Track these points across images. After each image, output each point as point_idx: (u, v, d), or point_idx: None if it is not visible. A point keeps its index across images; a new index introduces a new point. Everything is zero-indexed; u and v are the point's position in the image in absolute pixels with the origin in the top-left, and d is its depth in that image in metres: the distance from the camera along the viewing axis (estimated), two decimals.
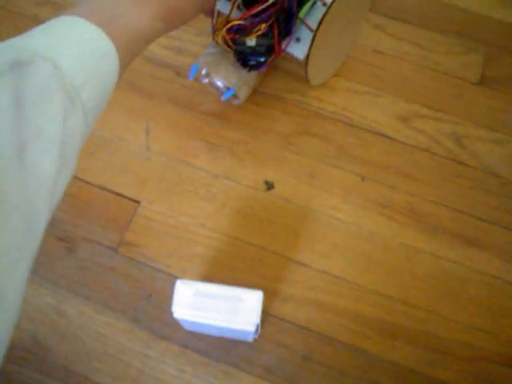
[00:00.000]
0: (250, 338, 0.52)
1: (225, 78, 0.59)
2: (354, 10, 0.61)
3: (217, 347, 0.54)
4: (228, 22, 0.55)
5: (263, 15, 0.54)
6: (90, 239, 0.59)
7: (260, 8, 0.54)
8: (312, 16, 0.58)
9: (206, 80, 0.60)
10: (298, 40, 0.59)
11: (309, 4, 0.58)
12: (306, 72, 0.59)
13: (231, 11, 0.54)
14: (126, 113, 0.65)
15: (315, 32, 0.55)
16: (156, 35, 0.46)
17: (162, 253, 0.58)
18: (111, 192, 0.61)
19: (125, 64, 0.41)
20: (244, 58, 0.57)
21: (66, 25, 0.37)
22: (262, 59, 0.56)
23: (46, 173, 0.32)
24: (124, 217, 0.60)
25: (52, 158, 0.32)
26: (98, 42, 0.37)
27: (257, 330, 0.48)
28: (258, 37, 0.55)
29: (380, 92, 0.67)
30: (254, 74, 0.60)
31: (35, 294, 0.56)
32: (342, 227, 0.59)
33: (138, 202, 0.60)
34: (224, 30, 0.55)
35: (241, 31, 0.56)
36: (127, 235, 0.59)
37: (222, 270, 0.57)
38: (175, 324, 0.53)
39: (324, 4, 0.57)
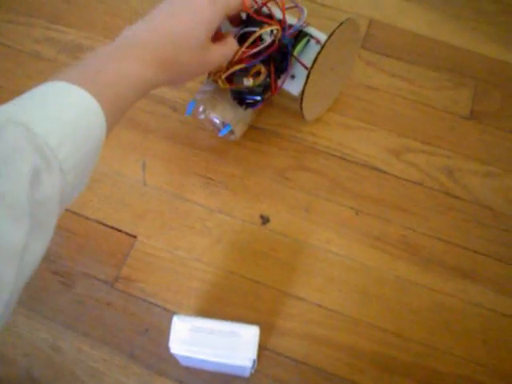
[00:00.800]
0: (247, 373, 0.52)
1: (221, 114, 0.60)
2: (346, 48, 0.63)
3: (213, 383, 0.54)
4: (228, 68, 0.56)
5: (261, 56, 0.56)
6: (86, 274, 0.59)
7: (257, 49, 0.55)
8: (306, 54, 0.60)
9: (203, 116, 0.61)
10: (292, 77, 0.61)
11: (303, 42, 0.60)
12: (301, 108, 0.61)
13: (234, 57, 0.56)
14: (123, 148, 0.66)
15: (310, 69, 0.57)
16: (152, 85, 0.46)
17: (159, 287, 0.58)
18: (108, 227, 0.61)
19: (114, 118, 0.42)
20: (241, 97, 0.58)
21: (46, 88, 0.38)
22: (259, 98, 0.58)
23: (9, 239, 0.31)
24: (121, 251, 0.60)
25: (17, 223, 0.31)
26: (77, 100, 0.38)
27: (253, 365, 0.49)
28: (254, 77, 0.57)
29: (373, 127, 0.68)
30: (249, 111, 0.62)
31: (31, 329, 0.56)
32: (337, 261, 0.60)
33: (134, 236, 0.61)
34: (224, 75, 0.56)
35: (238, 72, 0.58)
36: (124, 270, 0.59)
37: (218, 304, 0.58)
38: (172, 359, 0.53)
39: (317, 42, 0.59)
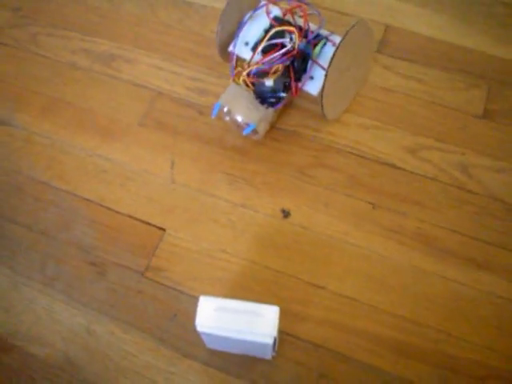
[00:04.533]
0: (269, 354, 0.55)
1: (245, 114, 0.64)
2: (361, 50, 0.66)
3: (237, 365, 0.57)
4: (249, 66, 0.61)
5: (281, 59, 0.60)
6: (119, 264, 0.63)
7: (277, 54, 0.60)
8: (323, 56, 0.64)
9: (228, 118, 0.66)
10: (311, 78, 0.65)
11: (320, 45, 0.64)
12: (322, 107, 0.64)
13: (252, 57, 0.60)
14: (152, 148, 0.70)
15: (327, 69, 0.60)
16: None
17: (186, 276, 0.62)
18: (139, 220, 0.66)
19: None
20: (263, 97, 0.62)
21: None
22: (281, 95, 0.62)
23: None
24: (151, 243, 0.64)
25: None
26: None
27: (274, 345, 0.52)
28: (275, 77, 0.61)
29: (388, 126, 0.71)
30: (271, 110, 0.65)
31: (68, 315, 0.60)
32: (355, 251, 0.63)
33: (163, 229, 0.65)
34: (245, 73, 0.60)
35: (259, 73, 0.62)
36: (153, 260, 0.63)
37: (241, 292, 0.61)
38: (198, 342, 0.57)
39: (333, 44, 0.63)
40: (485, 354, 0.58)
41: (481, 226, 0.64)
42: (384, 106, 0.73)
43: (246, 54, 0.65)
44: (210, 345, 0.56)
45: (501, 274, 0.62)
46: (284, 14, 0.65)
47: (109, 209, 0.66)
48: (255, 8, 0.66)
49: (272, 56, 0.61)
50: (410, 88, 0.74)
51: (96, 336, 0.59)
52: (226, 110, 0.65)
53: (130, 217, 0.66)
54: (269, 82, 0.61)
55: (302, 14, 0.63)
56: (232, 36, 0.66)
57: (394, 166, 0.68)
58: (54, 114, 0.73)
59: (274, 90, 0.61)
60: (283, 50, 0.61)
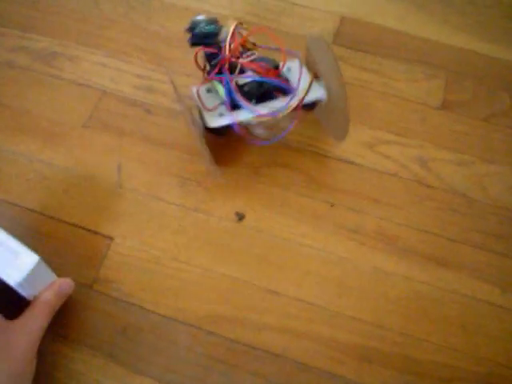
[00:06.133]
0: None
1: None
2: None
3: (193, 380, 0.54)
4: None
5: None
6: (64, 277, 0.59)
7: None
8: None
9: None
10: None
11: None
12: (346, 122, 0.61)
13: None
14: (98, 152, 0.66)
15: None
16: None
17: (136, 287, 0.58)
18: (85, 229, 0.62)
19: None
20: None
21: None
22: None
23: None
24: (98, 253, 0.60)
25: None
26: None
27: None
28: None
29: None
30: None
31: None
32: (313, 254, 0.60)
33: (111, 238, 0.61)
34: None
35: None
36: (102, 271, 0.59)
37: (195, 301, 0.58)
38: (150, 358, 0.53)
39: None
40: (449, 355, 0.56)
41: (443, 221, 0.62)
42: None
43: (246, 114, 0.60)
44: None
45: (464, 271, 0.60)
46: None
47: (52, 218, 0.62)
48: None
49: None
50: (367, 80, 0.72)
51: (40, 356, 0.55)
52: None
53: (76, 226, 0.62)
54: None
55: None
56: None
57: (352, 163, 0.66)
58: None
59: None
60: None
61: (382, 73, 0.72)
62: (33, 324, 0.51)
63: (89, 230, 0.62)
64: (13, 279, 0.49)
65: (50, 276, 0.54)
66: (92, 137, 0.67)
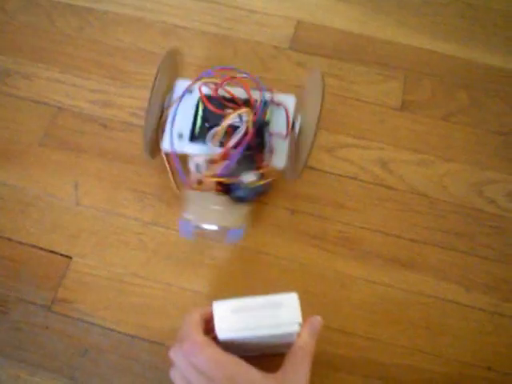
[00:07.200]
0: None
1: (218, 220, 0.56)
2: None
3: None
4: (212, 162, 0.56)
5: (241, 146, 0.56)
6: (22, 299, 0.58)
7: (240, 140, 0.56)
8: (276, 122, 0.60)
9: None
10: (271, 152, 0.59)
11: (269, 113, 0.60)
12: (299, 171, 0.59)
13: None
14: (54, 170, 0.65)
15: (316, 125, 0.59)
16: None
17: (96, 306, 0.57)
18: (43, 250, 0.60)
19: None
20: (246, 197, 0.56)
21: None
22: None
23: None
24: (56, 273, 0.59)
25: None
26: None
27: None
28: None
29: None
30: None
31: None
32: (274, 263, 0.60)
33: (69, 257, 0.60)
34: (212, 179, 0.55)
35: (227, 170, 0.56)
36: (60, 292, 0.58)
37: (158, 317, 0.57)
38: (112, 380, 0.52)
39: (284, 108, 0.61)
40: (415, 357, 0.56)
41: (404, 223, 0.62)
42: None
43: (189, 147, 0.58)
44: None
45: (427, 271, 0.59)
46: (215, 90, 0.59)
47: (9, 240, 0.61)
48: (174, 93, 0.61)
49: (234, 144, 0.56)
50: (325, 84, 0.71)
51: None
52: (192, 225, 0.56)
53: (33, 246, 0.61)
54: (248, 177, 0.55)
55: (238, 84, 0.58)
56: (155, 131, 0.60)
57: (312, 168, 0.65)
58: None
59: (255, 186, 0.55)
60: (240, 134, 0.56)
61: (341, 76, 0.72)
62: (302, 375, 0.46)
63: (46, 250, 0.60)
64: (292, 325, 0.47)
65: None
66: (48, 155, 0.66)
